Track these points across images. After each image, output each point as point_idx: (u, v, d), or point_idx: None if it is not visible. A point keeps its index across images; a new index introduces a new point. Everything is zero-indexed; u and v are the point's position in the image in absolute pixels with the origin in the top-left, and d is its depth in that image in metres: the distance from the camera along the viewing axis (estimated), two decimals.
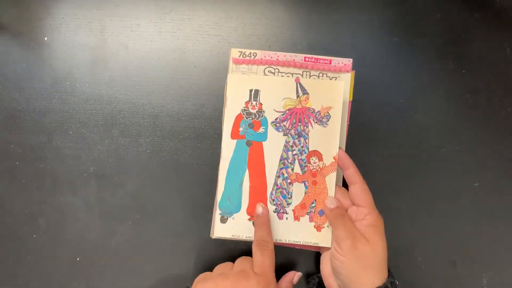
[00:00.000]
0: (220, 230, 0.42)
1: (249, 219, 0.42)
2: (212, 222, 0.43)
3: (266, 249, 0.38)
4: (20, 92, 0.47)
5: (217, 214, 0.43)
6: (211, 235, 0.42)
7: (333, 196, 0.41)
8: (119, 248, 0.45)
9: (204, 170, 0.45)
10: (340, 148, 0.42)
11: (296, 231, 0.42)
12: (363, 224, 0.39)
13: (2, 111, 0.47)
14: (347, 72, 0.44)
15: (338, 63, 0.44)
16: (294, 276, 0.42)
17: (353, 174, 0.40)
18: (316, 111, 0.42)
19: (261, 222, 0.41)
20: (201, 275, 0.39)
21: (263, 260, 0.38)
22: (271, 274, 0.38)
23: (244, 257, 0.40)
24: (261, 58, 0.44)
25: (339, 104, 0.42)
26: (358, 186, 0.40)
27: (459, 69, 0.46)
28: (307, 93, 0.42)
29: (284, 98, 0.43)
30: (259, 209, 0.41)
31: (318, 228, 0.42)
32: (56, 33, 0.47)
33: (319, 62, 0.44)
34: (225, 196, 0.43)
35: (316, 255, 0.45)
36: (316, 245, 0.42)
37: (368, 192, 0.40)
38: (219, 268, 0.40)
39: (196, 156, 0.46)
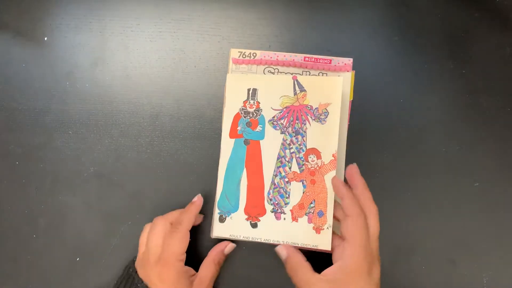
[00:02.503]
0: (219, 230, 0.42)
1: (247, 219, 0.42)
2: (212, 222, 0.43)
3: (178, 231, 0.39)
4: (20, 92, 0.47)
5: (216, 214, 0.43)
6: (210, 235, 0.42)
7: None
8: (119, 248, 0.45)
9: (204, 170, 0.45)
10: (335, 176, 0.40)
11: (294, 233, 0.41)
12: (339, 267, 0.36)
13: (2, 111, 0.47)
14: (348, 71, 0.44)
15: (339, 63, 0.44)
16: (226, 246, 0.42)
17: (348, 205, 0.37)
18: (313, 108, 0.42)
19: (190, 207, 0.41)
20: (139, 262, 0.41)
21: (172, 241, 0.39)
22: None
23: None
24: (261, 58, 0.44)
25: (337, 100, 0.41)
26: (351, 220, 0.36)
27: (459, 69, 0.46)
28: (305, 90, 0.42)
29: (281, 96, 0.43)
30: (196, 198, 0.42)
31: (317, 230, 0.41)
32: (56, 33, 0.47)
33: (319, 62, 0.44)
34: (224, 196, 0.43)
35: (313, 254, 0.45)
36: (315, 248, 0.41)
37: (362, 229, 0.36)
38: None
39: (196, 156, 0.46)
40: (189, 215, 0.41)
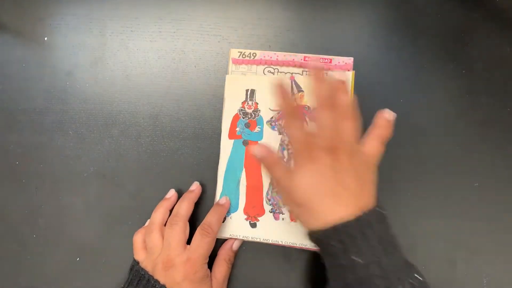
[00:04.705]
0: (219, 230, 0.42)
1: (246, 219, 0.42)
2: None
3: (208, 235, 0.39)
4: (20, 92, 0.47)
5: None
6: None
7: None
8: (119, 248, 0.45)
9: (204, 170, 0.45)
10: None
11: (292, 233, 0.41)
12: None
13: (2, 111, 0.47)
14: (348, 71, 0.44)
15: (339, 62, 0.44)
16: (233, 243, 0.43)
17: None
18: (311, 109, 0.42)
19: (219, 209, 0.41)
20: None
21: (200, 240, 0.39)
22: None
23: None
24: (261, 58, 0.44)
25: None
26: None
27: (459, 69, 0.46)
28: (302, 91, 0.42)
29: None
30: (223, 199, 0.42)
31: None
32: (56, 33, 0.47)
33: (319, 62, 0.44)
34: (223, 196, 0.43)
35: (314, 254, 0.45)
36: (314, 247, 0.41)
37: (290, 129, 0.36)
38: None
39: (196, 156, 0.46)
40: (217, 216, 0.41)
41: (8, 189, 0.46)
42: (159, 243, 0.40)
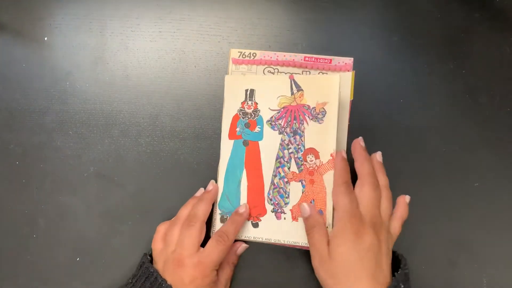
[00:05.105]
0: None
1: (248, 219, 0.42)
2: (212, 222, 0.43)
3: (224, 243, 0.39)
4: (20, 92, 0.47)
5: (216, 214, 0.43)
6: (211, 235, 0.42)
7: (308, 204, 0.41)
8: (119, 248, 0.45)
9: (204, 170, 0.45)
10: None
11: (294, 232, 0.41)
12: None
13: (2, 111, 0.47)
14: (348, 71, 0.44)
15: (339, 62, 0.44)
16: (238, 248, 0.42)
17: (334, 177, 0.40)
18: (311, 108, 0.42)
19: (237, 219, 0.41)
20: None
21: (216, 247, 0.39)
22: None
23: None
24: (261, 58, 0.44)
25: (334, 99, 0.41)
26: (333, 189, 0.40)
27: (459, 69, 0.46)
28: (302, 90, 0.42)
29: (279, 96, 0.43)
30: (242, 208, 0.42)
31: None
32: (56, 33, 0.47)
33: (319, 62, 0.44)
34: (224, 196, 0.43)
35: None
36: None
37: (343, 195, 0.39)
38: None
39: (196, 156, 0.46)
40: (235, 225, 0.41)
41: (8, 189, 0.46)
42: (176, 238, 0.40)
